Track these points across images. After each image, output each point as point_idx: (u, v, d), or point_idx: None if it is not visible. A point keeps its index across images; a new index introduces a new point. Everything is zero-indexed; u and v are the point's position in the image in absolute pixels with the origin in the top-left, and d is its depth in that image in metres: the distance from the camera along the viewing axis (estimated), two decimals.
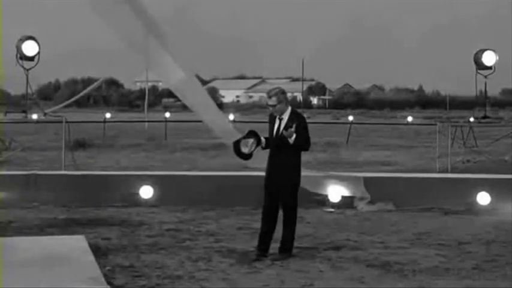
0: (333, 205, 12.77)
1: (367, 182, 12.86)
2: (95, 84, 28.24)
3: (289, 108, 9.06)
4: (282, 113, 9.00)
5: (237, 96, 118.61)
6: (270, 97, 9.03)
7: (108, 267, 8.17)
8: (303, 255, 9.05)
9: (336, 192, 12.81)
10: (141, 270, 8.14)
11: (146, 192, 12.80)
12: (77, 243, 9.16)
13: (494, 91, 78.95)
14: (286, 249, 8.97)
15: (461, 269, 8.38)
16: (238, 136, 9.60)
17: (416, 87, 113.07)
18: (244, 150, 9.00)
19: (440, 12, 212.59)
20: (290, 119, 8.96)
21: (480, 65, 17.35)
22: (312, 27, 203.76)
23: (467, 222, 11.66)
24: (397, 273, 8.19)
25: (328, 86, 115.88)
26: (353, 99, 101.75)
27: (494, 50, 17.34)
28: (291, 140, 8.81)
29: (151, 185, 12.84)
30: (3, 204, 12.07)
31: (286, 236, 8.98)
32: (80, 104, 68.01)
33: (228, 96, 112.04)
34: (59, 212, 11.99)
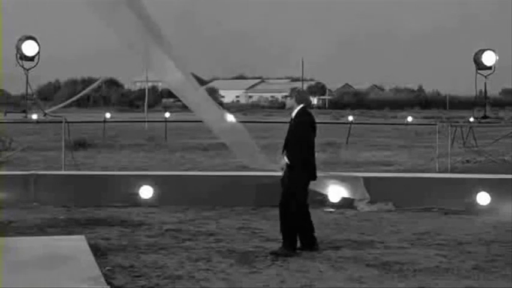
0: (333, 205, 12.77)
1: (367, 182, 12.86)
2: (95, 84, 28.32)
3: (298, 107, 9.44)
4: (292, 110, 9.51)
5: (237, 97, 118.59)
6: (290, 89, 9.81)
7: (108, 267, 8.17)
8: (303, 255, 9.06)
9: (335, 192, 12.80)
10: (141, 270, 8.14)
11: (146, 192, 12.80)
12: (77, 243, 9.16)
13: (494, 91, 78.93)
14: (283, 245, 9.16)
15: (461, 269, 8.38)
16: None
17: (416, 87, 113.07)
18: None
19: (441, 12, 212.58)
20: (294, 117, 9.43)
21: (480, 65, 17.36)
22: (312, 27, 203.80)
23: (467, 222, 11.66)
24: (397, 273, 8.19)
25: (328, 86, 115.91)
26: (353, 99, 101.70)
27: (494, 50, 17.35)
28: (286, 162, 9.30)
29: (151, 185, 12.84)
30: (3, 204, 12.06)
31: (283, 233, 9.21)
32: (80, 104, 68.05)
33: (228, 96, 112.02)
34: (59, 212, 12.00)
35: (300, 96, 9.57)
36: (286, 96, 9.96)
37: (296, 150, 9.25)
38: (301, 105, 9.46)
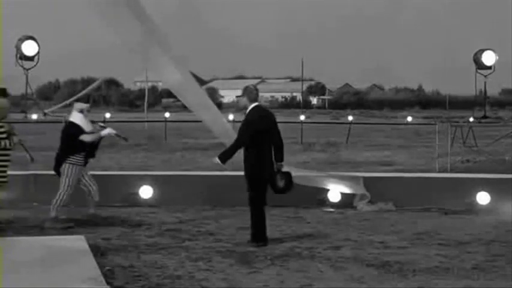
0: (333, 205, 12.78)
1: (367, 182, 12.86)
2: (95, 84, 28.28)
3: (251, 106, 9.79)
4: (245, 108, 9.87)
5: (237, 97, 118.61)
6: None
7: (107, 267, 8.17)
8: (303, 255, 9.07)
9: (335, 192, 12.81)
10: (141, 270, 8.14)
11: (146, 192, 12.80)
12: (76, 243, 9.17)
13: (494, 91, 78.90)
14: (252, 237, 9.64)
15: (461, 269, 8.38)
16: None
17: (416, 87, 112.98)
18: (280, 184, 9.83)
19: (440, 12, 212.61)
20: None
21: (480, 65, 17.41)
22: (312, 27, 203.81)
23: (467, 222, 11.66)
24: (397, 273, 8.19)
25: (327, 86, 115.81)
26: (353, 99, 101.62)
27: (494, 50, 17.39)
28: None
29: (151, 185, 12.84)
30: (3, 204, 12.05)
31: (251, 225, 9.71)
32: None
33: (228, 96, 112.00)
34: (59, 212, 11.97)
35: (247, 92, 9.84)
36: (238, 96, 10.12)
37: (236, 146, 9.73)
38: (254, 104, 9.75)
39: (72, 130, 10.75)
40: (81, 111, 10.87)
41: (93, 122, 11.16)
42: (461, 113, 54.38)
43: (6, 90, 11.30)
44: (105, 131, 10.88)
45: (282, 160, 9.78)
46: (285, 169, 9.86)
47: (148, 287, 7.53)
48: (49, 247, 8.94)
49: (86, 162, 10.90)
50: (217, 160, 9.74)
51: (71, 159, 10.70)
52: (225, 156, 9.75)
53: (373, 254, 9.15)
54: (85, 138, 10.68)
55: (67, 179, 10.71)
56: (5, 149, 10.44)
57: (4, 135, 10.47)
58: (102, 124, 11.18)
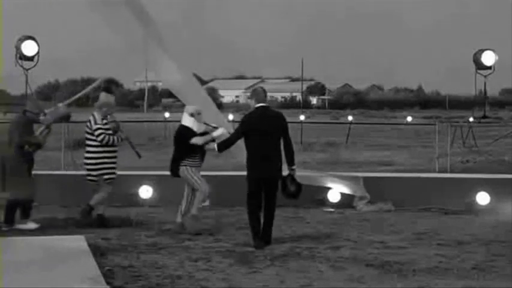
0: (333, 205, 12.78)
1: (367, 182, 12.86)
2: (94, 84, 28.19)
3: (255, 106, 9.90)
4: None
5: (237, 96, 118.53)
6: None
7: (107, 267, 8.17)
8: (303, 255, 9.07)
9: (335, 192, 12.81)
10: (141, 270, 8.14)
11: (146, 192, 12.80)
12: (76, 243, 9.17)
13: (493, 91, 78.98)
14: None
15: (461, 269, 8.38)
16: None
17: (415, 87, 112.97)
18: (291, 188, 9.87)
19: (440, 12, 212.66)
20: None
21: (480, 65, 17.39)
22: (312, 27, 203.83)
23: (467, 222, 11.67)
24: (397, 273, 8.19)
25: (327, 86, 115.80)
26: (352, 99, 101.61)
27: (493, 50, 17.38)
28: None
29: (151, 185, 12.83)
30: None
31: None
32: (79, 104, 68.08)
33: (228, 96, 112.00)
34: (58, 212, 11.99)
35: (252, 93, 10.05)
36: (248, 98, 10.37)
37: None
38: (258, 104, 9.83)
39: (184, 134, 10.69)
40: (191, 114, 10.80)
41: (206, 124, 11.06)
42: (461, 113, 54.42)
43: (111, 88, 11.36)
44: (217, 132, 10.80)
45: (292, 164, 9.72)
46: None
47: (148, 287, 7.53)
48: (49, 247, 8.94)
49: (201, 164, 10.84)
50: (215, 146, 10.00)
51: (186, 161, 10.66)
52: (221, 146, 10.04)
53: (373, 254, 9.15)
54: (197, 141, 10.61)
55: (194, 178, 10.67)
56: (112, 145, 10.88)
57: (109, 132, 10.93)
58: (214, 125, 11.09)
